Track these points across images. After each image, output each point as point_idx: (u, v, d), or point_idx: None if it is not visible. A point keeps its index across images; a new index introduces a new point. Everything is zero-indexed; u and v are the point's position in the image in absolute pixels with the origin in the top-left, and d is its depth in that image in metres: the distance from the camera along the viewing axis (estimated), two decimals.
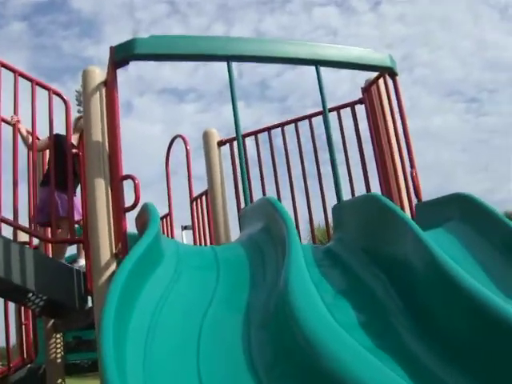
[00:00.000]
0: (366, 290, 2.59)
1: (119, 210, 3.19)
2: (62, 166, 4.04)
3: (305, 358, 1.68)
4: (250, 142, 4.96)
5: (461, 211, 3.24)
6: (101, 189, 3.41)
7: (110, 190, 3.43)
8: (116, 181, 3.25)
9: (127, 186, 3.29)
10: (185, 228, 8.55)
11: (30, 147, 4.32)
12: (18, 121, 4.26)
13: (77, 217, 4.18)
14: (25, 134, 4.38)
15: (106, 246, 3.32)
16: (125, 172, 3.28)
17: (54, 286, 3.79)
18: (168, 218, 6.22)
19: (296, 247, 2.25)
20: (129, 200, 3.23)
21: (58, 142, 4.19)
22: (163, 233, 6.06)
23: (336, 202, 3.53)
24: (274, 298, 2.09)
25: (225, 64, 3.56)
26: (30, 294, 3.83)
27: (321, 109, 3.80)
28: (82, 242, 3.96)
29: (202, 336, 2.02)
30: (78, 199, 4.48)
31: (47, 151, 4.60)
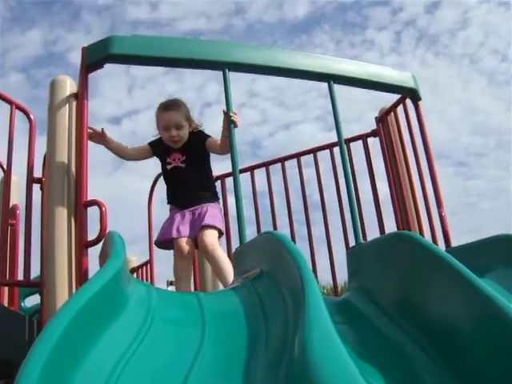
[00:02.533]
0: (397, 350, 1.97)
1: (80, 245, 2.51)
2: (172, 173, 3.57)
3: None
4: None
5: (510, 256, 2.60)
6: (61, 219, 2.74)
7: (74, 222, 2.77)
8: (78, 207, 2.58)
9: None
10: (170, 284, 7.55)
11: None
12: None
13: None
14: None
15: (63, 290, 2.63)
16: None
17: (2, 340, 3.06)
18: (148, 266, 5.43)
19: (315, 296, 1.59)
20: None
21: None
22: None
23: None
24: (285, 367, 1.41)
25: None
26: None
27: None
28: (39, 285, 3.23)
29: None
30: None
31: None
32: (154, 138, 3.73)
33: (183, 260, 3.43)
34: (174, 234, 3.45)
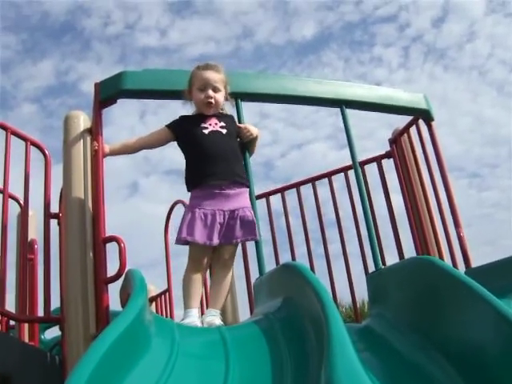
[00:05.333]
0: (421, 376, 1.95)
1: (99, 281, 2.51)
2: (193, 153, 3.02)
3: None
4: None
5: None
6: (80, 255, 2.75)
7: (92, 258, 2.78)
8: (96, 244, 2.59)
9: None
10: None
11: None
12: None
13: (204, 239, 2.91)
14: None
15: (84, 325, 2.63)
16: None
17: (22, 376, 3.06)
18: (167, 295, 5.43)
19: (338, 327, 1.58)
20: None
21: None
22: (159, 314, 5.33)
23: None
24: None
25: None
26: None
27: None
28: (59, 321, 3.22)
29: None
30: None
31: None
32: (172, 121, 3.20)
33: (201, 272, 2.99)
34: (200, 238, 2.90)
